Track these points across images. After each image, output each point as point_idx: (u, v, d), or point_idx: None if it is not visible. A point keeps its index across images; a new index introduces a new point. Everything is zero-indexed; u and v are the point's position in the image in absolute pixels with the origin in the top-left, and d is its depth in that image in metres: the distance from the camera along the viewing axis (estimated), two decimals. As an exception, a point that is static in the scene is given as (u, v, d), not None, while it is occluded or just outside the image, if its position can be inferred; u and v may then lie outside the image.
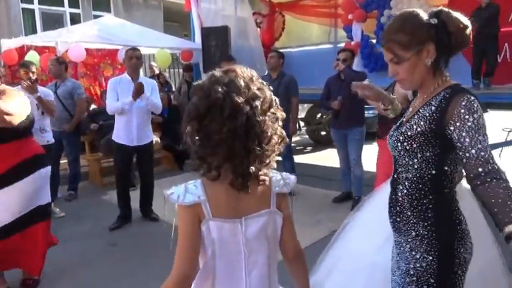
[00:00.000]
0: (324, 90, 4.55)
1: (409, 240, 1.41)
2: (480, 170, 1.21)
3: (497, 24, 4.98)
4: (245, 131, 1.02)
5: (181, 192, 1.11)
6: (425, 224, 1.37)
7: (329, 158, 5.15)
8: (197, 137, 1.06)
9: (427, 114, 1.34)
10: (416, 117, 1.38)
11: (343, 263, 2.15)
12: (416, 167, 1.38)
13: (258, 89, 1.07)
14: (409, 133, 1.38)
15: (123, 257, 3.47)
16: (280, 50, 5.94)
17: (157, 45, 7.12)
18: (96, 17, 9.64)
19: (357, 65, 6.43)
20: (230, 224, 1.11)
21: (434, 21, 1.33)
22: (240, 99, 1.02)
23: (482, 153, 1.22)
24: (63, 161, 5.18)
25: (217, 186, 1.10)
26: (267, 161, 1.10)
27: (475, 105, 1.26)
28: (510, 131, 5.20)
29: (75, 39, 5.93)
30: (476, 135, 1.23)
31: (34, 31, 9.36)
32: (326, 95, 4.51)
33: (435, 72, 1.38)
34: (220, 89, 1.02)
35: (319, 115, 8.87)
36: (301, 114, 8.79)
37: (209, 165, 1.07)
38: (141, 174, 4.35)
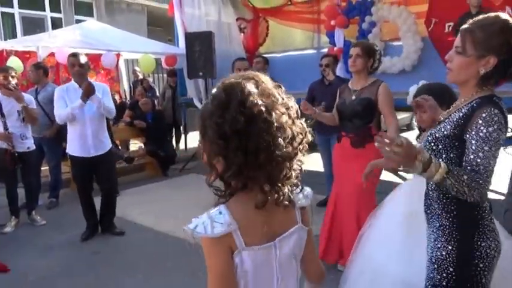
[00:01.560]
0: (308, 95, 4.59)
1: (434, 230, 1.50)
2: (469, 168, 1.31)
3: None
4: (266, 140, 0.92)
5: (207, 222, 0.96)
6: (448, 215, 1.45)
7: (313, 162, 5.18)
8: (234, 155, 0.92)
9: (455, 120, 1.40)
10: (446, 121, 1.45)
11: (367, 274, 2.14)
12: None
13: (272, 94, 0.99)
14: (437, 135, 1.45)
15: (106, 265, 3.41)
16: (265, 55, 5.98)
17: (141, 50, 7.09)
18: (78, 21, 9.52)
19: (339, 70, 6.52)
20: (264, 250, 1.01)
21: None
22: (281, 110, 0.96)
23: (478, 160, 1.30)
24: (44, 168, 5.09)
25: (245, 208, 0.99)
26: (294, 166, 1.01)
27: (495, 119, 1.31)
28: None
29: (57, 44, 5.86)
30: (483, 145, 1.30)
31: (14, 36, 9.19)
32: (310, 99, 4.55)
33: (481, 82, 1.40)
34: (260, 102, 0.93)
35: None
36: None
37: (235, 189, 0.98)
38: (101, 188, 4.01)
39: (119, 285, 3.06)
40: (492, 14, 1.40)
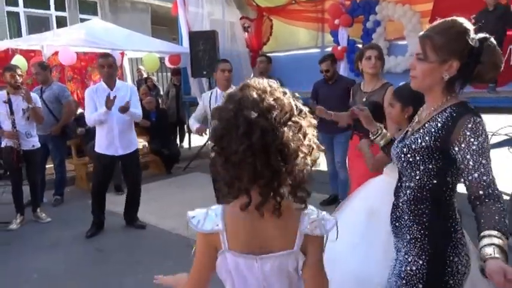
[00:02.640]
0: (312, 94, 4.60)
1: (405, 243, 1.44)
2: (481, 192, 1.25)
3: (504, 27, 4.78)
4: (263, 146, 0.93)
5: (202, 217, 1.07)
6: (420, 227, 1.40)
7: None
8: (219, 161, 0.99)
9: (433, 130, 1.36)
10: (421, 131, 1.40)
11: None
12: (418, 177, 1.41)
13: (274, 99, 0.97)
14: (413, 146, 1.40)
15: (110, 262, 3.44)
16: (268, 55, 5.99)
17: (145, 49, 7.09)
18: (82, 20, 9.55)
19: (343, 69, 6.51)
20: (244, 259, 1.04)
21: (475, 43, 1.32)
22: (253, 114, 0.93)
23: (485, 178, 1.26)
24: (49, 166, 5.12)
25: (240, 216, 1.02)
26: (301, 178, 0.98)
27: (481, 128, 1.29)
28: (493, 135, 5.33)
29: (62, 43, 5.88)
30: (480, 159, 1.27)
31: (19, 34, 9.24)
32: (314, 98, 4.56)
33: (447, 88, 1.38)
34: (231, 107, 0.96)
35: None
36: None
37: (238, 190, 0.99)
38: (128, 183, 4.27)
39: (123, 282, 3.08)
40: (448, 19, 1.38)
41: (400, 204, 1.48)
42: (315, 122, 1.04)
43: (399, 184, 1.52)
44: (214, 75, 3.98)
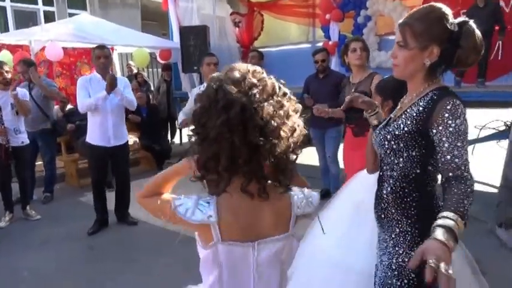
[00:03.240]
0: (304, 89, 4.60)
1: (393, 236, 1.45)
2: (450, 174, 1.26)
3: (493, 23, 4.85)
4: (242, 121, 0.90)
5: (191, 206, 0.99)
6: (409, 221, 1.40)
7: (308, 156, 5.21)
8: (198, 140, 0.97)
9: (414, 114, 1.36)
10: (403, 116, 1.41)
11: (301, 262, 2.13)
12: (401, 165, 1.41)
13: (258, 79, 0.97)
14: (396, 132, 1.40)
15: (102, 260, 3.41)
16: (260, 50, 5.97)
17: (135, 44, 7.03)
18: (71, 15, 9.41)
19: (335, 64, 6.52)
20: (240, 247, 1.01)
21: (454, 27, 1.32)
22: (233, 89, 0.92)
23: (457, 160, 1.26)
24: (39, 163, 5.06)
25: (235, 205, 1.00)
26: (284, 158, 0.97)
27: (459, 110, 1.29)
28: (481, 129, 5.40)
29: (50, 38, 5.79)
30: (455, 142, 1.27)
31: (6, 29, 9.08)
32: (306, 93, 4.57)
33: (429, 74, 1.39)
34: (213, 85, 0.96)
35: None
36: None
37: (218, 178, 0.96)
38: (117, 176, 4.20)
39: (115, 280, 3.06)
40: (426, 5, 1.38)
41: (385, 195, 1.47)
42: (299, 107, 1.02)
43: (381, 173, 1.52)
44: (201, 69, 4.00)
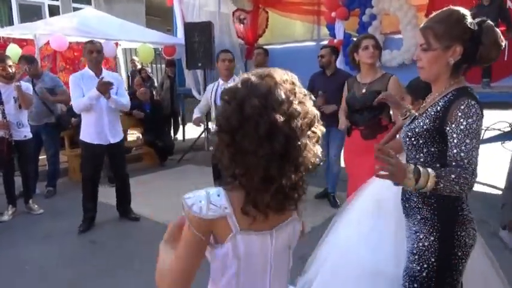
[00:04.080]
0: (308, 87, 4.58)
1: (415, 223, 1.53)
2: (454, 164, 1.35)
3: (499, 21, 4.73)
4: (282, 154, 0.90)
5: (204, 203, 0.96)
6: (429, 208, 1.49)
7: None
8: (227, 152, 0.94)
9: (433, 113, 1.44)
10: (424, 115, 1.49)
11: (330, 260, 2.16)
12: (422, 160, 1.50)
13: (299, 102, 0.94)
14: (416, 130, 1.49)
15: (104, 254, 3.42)
16: (264, 47, 5.95)
17: (140, 39, 7.02)
18: (75, 9, 9.41)
19: (340, 62, 6.48)
20: (260, 236, 1.00)
21: (474, 26, 1.39)
22: (280, 118, 0.88)
23: (462, 154, 1.34)
24: (42, 157, 5.08)
25: (243, 193, 0.98)
26: (301, 184, 0.99)
27: (473, 110, 1.36)
28: (486, 130, 5.37)
29: (54, 32, 5.79)
30: (464, 138, 1.34)
31: (11, 23, 9.09)
32: (310, 91, 4.55)
33: (453, 73, 1.46)
34: (257, 102, 0.89)
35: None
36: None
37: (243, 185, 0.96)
38: (116, 174, 4.14)
39: (116, 275, 3.06)
40: (445, 9, 1.46)
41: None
42: (324, 130, 1.02)
43: None
44: (216, 65, 3.97)
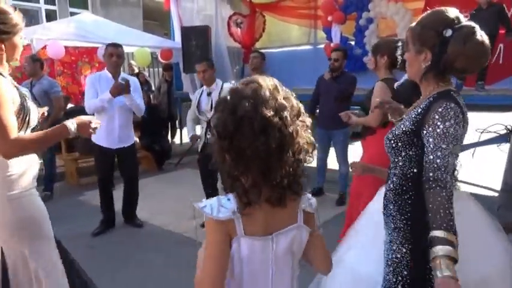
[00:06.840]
0: (315, 91, 4.60)
1: (390, 232, 1.48)
2: (430, 174, 1.28)
3: (497, 25, 4.77)
4: (278, 144, 0.98)
5: (215, 206, 1.05)
6: (403, 217, 1.43)
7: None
8: (228, 156, 1.02)
9: (413, 116, 1.40)
10: (405, 118, 1.46)
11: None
12: (400, 164, 1.45)
13: (284, 98, 1.04)
14: (396, 132, 1.45)
15: (101, 259, 3.40)
16: (261, 51, 5.97)
17: (137, 43, 7.03)
18: (72, 14, 9.41)
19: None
20: (261, 241, 1.08)
21: (448, 33, 1.30)
22: (270, 112, 0.98)
23: (438, 161, 1.27)
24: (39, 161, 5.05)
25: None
26: (299, 171, 1.06)
27: (451, 113, 1.29)
28: (482, 132, 5.40)
29: (51, 37, 5.79)
30: (441, 143, 1.28)
31: (8, 27, 9.08)
32: (316, 95, 4.58)
33: (435, 78, 1.39)
34: (247, 104, 0.98)
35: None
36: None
37: (243, 186, 1.03)
38: (125, 178, 4.08)
39: (114, 279, 3.05)
40: (435, 9, 1.39)
41: (387, 192, 1.52)
42: (310, 120, 1.10)
43: (388, 171, 1.57)
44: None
